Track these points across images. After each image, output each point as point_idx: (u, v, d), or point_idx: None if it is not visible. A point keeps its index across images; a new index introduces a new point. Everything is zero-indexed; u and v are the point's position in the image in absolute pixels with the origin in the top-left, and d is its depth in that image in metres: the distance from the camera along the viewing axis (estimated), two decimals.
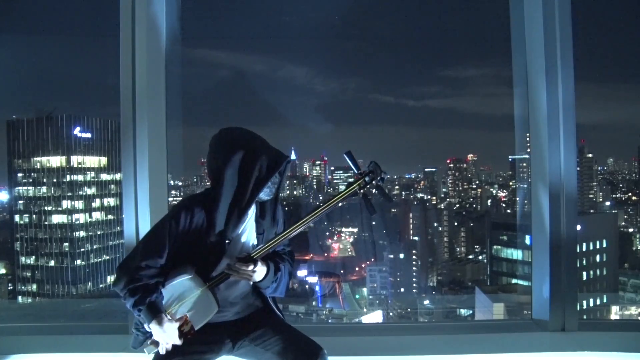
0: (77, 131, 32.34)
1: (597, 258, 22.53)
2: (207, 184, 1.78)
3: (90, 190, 31.96)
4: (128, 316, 2.34)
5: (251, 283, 1.76)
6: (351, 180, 1.63)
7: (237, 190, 1.64)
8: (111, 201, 32.01)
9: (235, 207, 1.64)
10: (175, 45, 2.61)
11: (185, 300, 1.59)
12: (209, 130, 1.79)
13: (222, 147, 1.67)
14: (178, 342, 1.56)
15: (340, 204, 1.60)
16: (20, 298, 29.15)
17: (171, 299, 1.60)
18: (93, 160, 32.68)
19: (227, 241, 1.65)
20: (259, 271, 1.66)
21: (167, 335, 1.55)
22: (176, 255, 1.62)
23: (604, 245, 22.88)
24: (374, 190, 1.64)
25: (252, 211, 1.74)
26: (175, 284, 1.59)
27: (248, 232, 1.74)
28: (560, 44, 2.36)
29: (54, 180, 31.78)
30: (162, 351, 1.58)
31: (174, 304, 1.60)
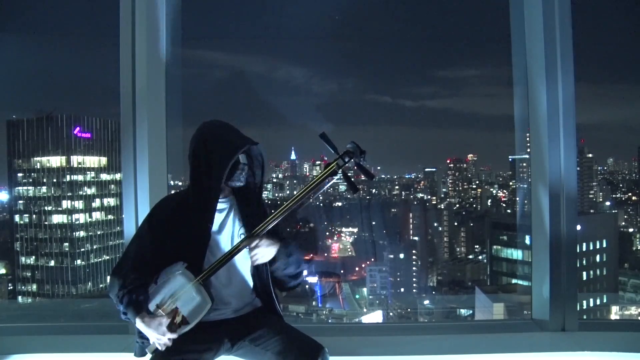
0: (77, 131, 32.34)
1: (597, 258, 22.53)
2: None
3: (90, 190, 31.96)
4: None
5: (250, 281, 1.76)
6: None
7: (201, 181, 1.66)
8: (111, 201, 32.02)
9: (204, 199, 1.65)
10: (175, 46, 2.61)
11: (178, 297, 1.58)
12: None
13: (192, 139, 1.71)
14: (169, 335, 1.55)
15: (326, 187, 1.62)
16: (20, 298, 29.14)
17: (165, 296, 1.60)
18: (93, 160, 32.69)
19: (209, 229, 1.66)
20: (269, 249, 1.65)
21: (154, 330, 1.54)
22: (164, 254, 1.64)
23: (604, 245, 22.89)
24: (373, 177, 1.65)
25: (229, 202, 1.76)
26: (167, 281, 1.59)
27: (231, 221, 1.75)
28: (560, 44, 2.36)
29: (54, 180, 31.78)
30: (161, 348, 1.57)
31: (167, 302, 1.59)
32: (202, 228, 1.66)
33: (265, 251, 1.65)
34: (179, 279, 1.59)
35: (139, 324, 1.56)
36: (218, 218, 1.72)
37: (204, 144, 1.67)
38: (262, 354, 1.67)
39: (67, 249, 30.44)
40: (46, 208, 31.28)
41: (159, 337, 1.55)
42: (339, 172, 1.62)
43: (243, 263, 1.74)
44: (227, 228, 1.74)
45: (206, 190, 1.65)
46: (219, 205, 1.71)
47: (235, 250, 1.63)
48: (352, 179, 1.64)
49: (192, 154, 1.69)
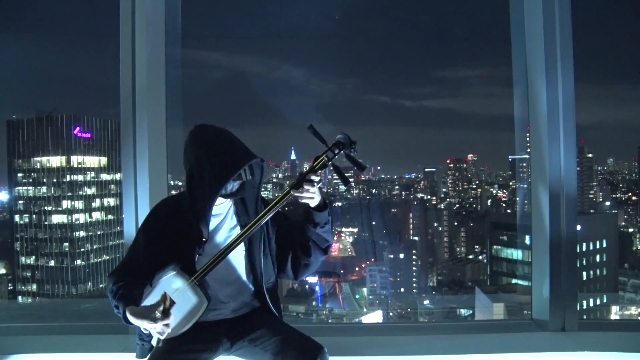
0: (77, 131, 32.34)
1: (597, 258, 22.52)
2: None
3: (90, 190, 31.95)
4: None
5: (248, 281, 1.76)
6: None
7: (199, 189, 1.64)
8: (111, 201, 32.00)
9: (199, 206, 1.64)
10: (175, 45, 2.61)
11: (174, 297, 1.57)
12: None
13: (188, 146, 1.69)
14: (162, 321, 1.51)
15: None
16: (20, 298, 29.13)
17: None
18: (93, 160, 32.68)
19: (203, 239, 1.65)
20: (318, 194, 1.64)
21: (146, 319, 1.51)
22: (159, 256, 1.63)
23: (604, 245, 22.88)
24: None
25: (226, 207, 1.75)
26: (162, 282, 1.59)
27: (226, 227, 1.74)
28: (560, 44, 2.37)
29: (54, 180, 31.77)
30: (161, 337, 1.54)
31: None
32: (197, 234, 1.65)
33: (317, 194, 1.63)
34: (174, 279, 1.59)
35: (129, 315, 1.53)
36: (213, 222, 1.71)
37: (197, 159, 1.64)
38: (261, 354, 1.67)
39: (67, 249, 30.42)
40: (46, 208, 31.27)
41: (153, 324, 1.51)
42: (329, 164, 1.61)
43: (240, 263, 1.74)
44: (222, 232, 1.74)
45: (201, 207, 1.64)
46: (215, 210, 1.70)
47: (236, 241, 1.61)
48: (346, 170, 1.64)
49: (189, 172, 1.67)
